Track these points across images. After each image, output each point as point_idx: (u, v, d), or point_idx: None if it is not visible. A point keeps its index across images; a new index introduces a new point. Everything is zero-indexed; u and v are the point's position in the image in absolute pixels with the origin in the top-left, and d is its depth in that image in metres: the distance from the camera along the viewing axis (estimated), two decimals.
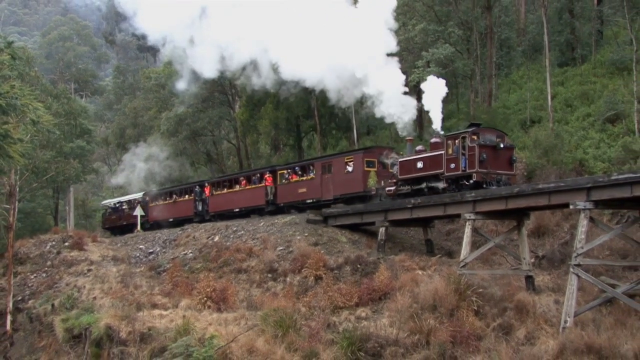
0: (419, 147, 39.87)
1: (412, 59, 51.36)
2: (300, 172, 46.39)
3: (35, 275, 43.32)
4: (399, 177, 39.26)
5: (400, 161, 39.60)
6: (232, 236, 44.20)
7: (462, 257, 33.05)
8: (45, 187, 62.59)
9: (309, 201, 45.17)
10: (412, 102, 42.41)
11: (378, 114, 44.28)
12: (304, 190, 45.53)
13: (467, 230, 33.33)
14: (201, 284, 36.12)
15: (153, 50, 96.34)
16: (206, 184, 54.26)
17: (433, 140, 38.40)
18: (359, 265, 36.69)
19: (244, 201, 49.78)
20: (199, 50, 53.61)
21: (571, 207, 29.40)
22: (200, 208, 54.04)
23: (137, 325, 32.44)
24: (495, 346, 27.40)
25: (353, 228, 42.19)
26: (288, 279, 37.20)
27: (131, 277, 40.48)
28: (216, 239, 44.56)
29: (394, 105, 42.07)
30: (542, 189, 30.62)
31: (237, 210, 50.15)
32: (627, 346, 25.75)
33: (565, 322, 27.88)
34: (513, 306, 29.94)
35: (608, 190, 28.33)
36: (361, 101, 49.91)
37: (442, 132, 39.46)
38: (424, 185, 37.85)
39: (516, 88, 59.58)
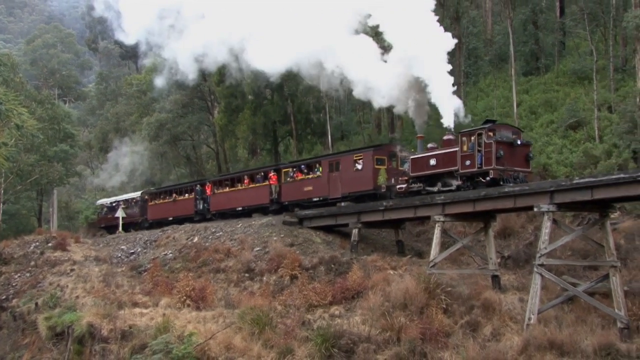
0: (430, 145, 37.80)
1: None
2: (305, 171, 45.01)
3: (19, 274, 42.92)
4: (411, 174, 37.24)
5: (412, 158, 37.51)
6: (210, 237, 44.10)
7: (431, 257, 33.18)
8: (29, 189, 62.21)
9: (315, 199, 43.66)
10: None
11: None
12: (310, 188, 43.98)
13: (437, 232, 33.46)
14: (181, 283, 35.92)
15: (135, 58, 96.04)
16: (207, 183, 52.88)
17: (446, 137, 36.54)
18: (332, 265, 36.75)
19: (247, 200, 48.29)
20: (178, 50, 53.34)
21: (535, 209, 29.63)
22: (201, 207, 52.69)
23: (119, 323, 32.23)
24: (462, 342, 27.58)
25: (327, 229, 42.17)
26: (264, 278, 37.18)
27: (113, 277, 40.24)
28: (195, 239, 44.44)
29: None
30: (508, 192, 30.82)
31: (240, 209, 48.67)
32: (587, 342, 26.02)
33: (529, 319, 28.07)
34: (480, 304, 30.11)
35: (570, 193, 28.60)
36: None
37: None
38: (437, 182, 36.00)
39: (483, 96, 59.87)
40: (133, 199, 61.55)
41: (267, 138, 64.13)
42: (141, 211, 59.39)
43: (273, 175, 46.44)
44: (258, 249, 40.00)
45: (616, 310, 28.25)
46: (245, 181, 49.05)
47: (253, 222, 43.84)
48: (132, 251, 46.91)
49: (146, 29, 55.98)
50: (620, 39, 51.67)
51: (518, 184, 31.43)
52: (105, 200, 67.27)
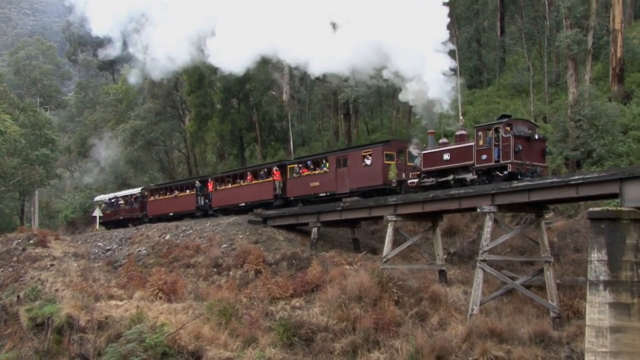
0: (442, 140, 35.54)
1: (341, 80, 51.25)
2: (312, 167, 42.28)
3: (2, 269, 42.06)
4: (423, 169, 34.65)
5: (424, 153, 34.88)
6: (181, 235, 43.75)
7: (384, 253, 33.31)
8: (12, 190, 61.23)
9: (322, 194, 40.94)
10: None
11: None
12: (317, 184, 41.28)
13: (389, 230, 33.61)
14: (153, 277, 35.66)
15: (112, 69, 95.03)
16: (209, 179, 50.64)
17: (459, 132, 34.42)
18: (294, 261, 36.74)
19: (250, 195, 45.65)
20: (151, 51, 52.59)
21: (478, 210, 29.93)
22: (202, 203, 50.46)
23: (95, 315, 31.94)
24: (412, 331, 27.79)
25: (289, 228, 42.01)
26: (231, 273, 37.01)
27: (90, 271, 39.68)
28: (167, 237, 44.05)
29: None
30: (454, 194, 31.05)
31: (243, 204, 46.06)
32: (524, 330, 26.41)
33: (472, 310, 28.34)
34: (428, 296, 30.34)
35: (509, 196, 28.92)
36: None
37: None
38: (450, 177, 33.39)
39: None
40: (133, 195, 59.36)
41: (234, 144, 63.88)
42: (141, 207, 57.64)
43: (276, 171, 44.21)
44: (225, 245, 39.80)
45: (549, 301, 28.67)
46: (248, 177, 46.68)
47: (221, 221, 43.59)
48: (109, 248, 46.29)
49: (120, 31, 55.34)
50: (554, 56, 52.44)
51: (463, 188, 31.59)
52: (104, 197, 64.70)
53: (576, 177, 26.95)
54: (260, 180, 45.33)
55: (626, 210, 23.48)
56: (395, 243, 34.65)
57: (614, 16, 43.38)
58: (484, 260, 28.96)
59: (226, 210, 47.78)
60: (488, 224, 29.27)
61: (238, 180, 47.60)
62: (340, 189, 39.72)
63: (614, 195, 26.32)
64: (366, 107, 61.50)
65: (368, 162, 38.70)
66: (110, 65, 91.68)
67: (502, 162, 30.57)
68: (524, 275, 31.39)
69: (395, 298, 30.27)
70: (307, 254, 37.40)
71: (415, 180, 34.99)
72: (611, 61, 44.00)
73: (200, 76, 59.31)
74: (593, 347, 22.56)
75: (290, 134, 60.34)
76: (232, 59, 44.85)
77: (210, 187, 49.83)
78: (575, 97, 40.99)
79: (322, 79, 56.09)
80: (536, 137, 31.28)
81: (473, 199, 30.19)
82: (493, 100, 53.98)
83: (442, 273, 33.45)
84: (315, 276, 33.26)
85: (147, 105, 66.79)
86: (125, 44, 57.82)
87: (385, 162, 37.76)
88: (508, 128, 30.68)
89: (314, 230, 39.25)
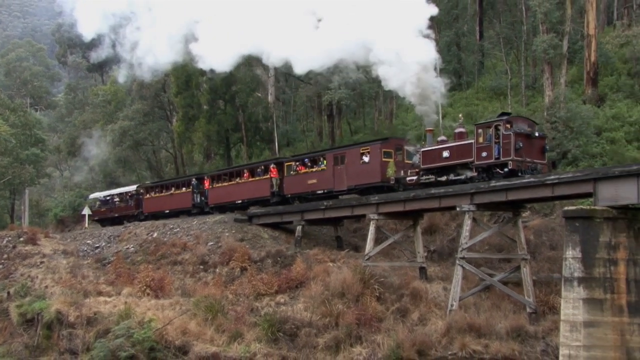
0: (441, 138, 34.82)
1: (325, 82, 51.32)
2: (309, 164, 41.20)
3: None
4: (422, 166, 33.74)
5: (423, 151, 33.94)
6: (169, 233, 43.58)
7: (366, 251, 33.42)
8: (2, 189, 60.87)
9: (319, 192, 39.80)
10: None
11: None
12: (314, 181, 40.07)
13: (371, 228, 33.70)
14: (141, 274, 35.52)
15: (101, 71, 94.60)
16: (205, 177, 49.32)
17: (458, 130, 33.51)
18: (278, 258, 36.68)
19: (247, 193, 44.47)
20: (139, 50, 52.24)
21: (458, 209, 30.08)
22: (198, 200, 49.20)
23: (84, 310, 31.85)
24: (393, 327, 27.94)
25: (274, 226, 41.96)
26: (217, 270, 36.94)
27: (79, 268, 39.47)
28: (155, 235, 43.87)
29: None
30: (434, 194, 31.17)
31: (239, 202, 45.02)
32: (501, 325, 26.63)
33: (452, 305, 28.50)
34: (409, 293, 30.49)
35: (488, 195, 29.08)
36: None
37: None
38: (450, 174, 32.48)
39: (413, 108, 60.23)
40: (128, 192, 58.25)
41: (221, 144, 63.76)
42: (136, 204, 56.86)
43: (273, 168, 43.06)
44: (212, 243, 39.72)
45: (526, 297, 28.88)
46: (245, 175, 45.40)
47: (207, 220, 43.44)
48: (97, 245, 46.06)
49: (109, 26, 55.05)
50: (531, 60, 52.73)
51: (443, 187, 31.66)
52: (99, 194, 63.31)
53: (552, 177, 27.16)
54: (257, 178, 44.21)
55: (599, 209, 23.73)
56: (377, 241, 34.70)
57: (588, 22, 43.67)
58: (463, 258, 29.12)
59: (223, 208, 46.82)
60: (467, 223, 29.43)
61: (235, 178, 46.30)
62: (338, 186, 38.78)
63: (588, 195, 26.59)
64: (349, 108, 61.51)
65: (366, 159, 37.70)
66: (99, 67, 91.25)
67: (502, 159, 29.93)
68: (502, 272, 31.62)
69: (377, 294, 30.38)
70: (291, 252, 37.37)
71: (414, 178, 34.24)
72: (585, 65, 44.29)
73: (187, 78, 59.25)
74: (567, 342, 22.80)
75: (275, 134, 60.30)
76: (217, 58, 44.59)
77: (206, 184, 48.51)
78: (551, 99, 41.29)
79: (307, 81, 56.10)
80: (536, 134, 30.77)
81: (453, 198, 30.33)
82: (472, 102, 54.21)
83: (422, 270, 33.58)
84: (299, 273, 33.30)
85: (136, 106, 66.55)
86: (114, 45, 57.60)
87: (384, 159, 36.82)
88: (508, 125, 30.09)
89: (298, 228, 39.25)
